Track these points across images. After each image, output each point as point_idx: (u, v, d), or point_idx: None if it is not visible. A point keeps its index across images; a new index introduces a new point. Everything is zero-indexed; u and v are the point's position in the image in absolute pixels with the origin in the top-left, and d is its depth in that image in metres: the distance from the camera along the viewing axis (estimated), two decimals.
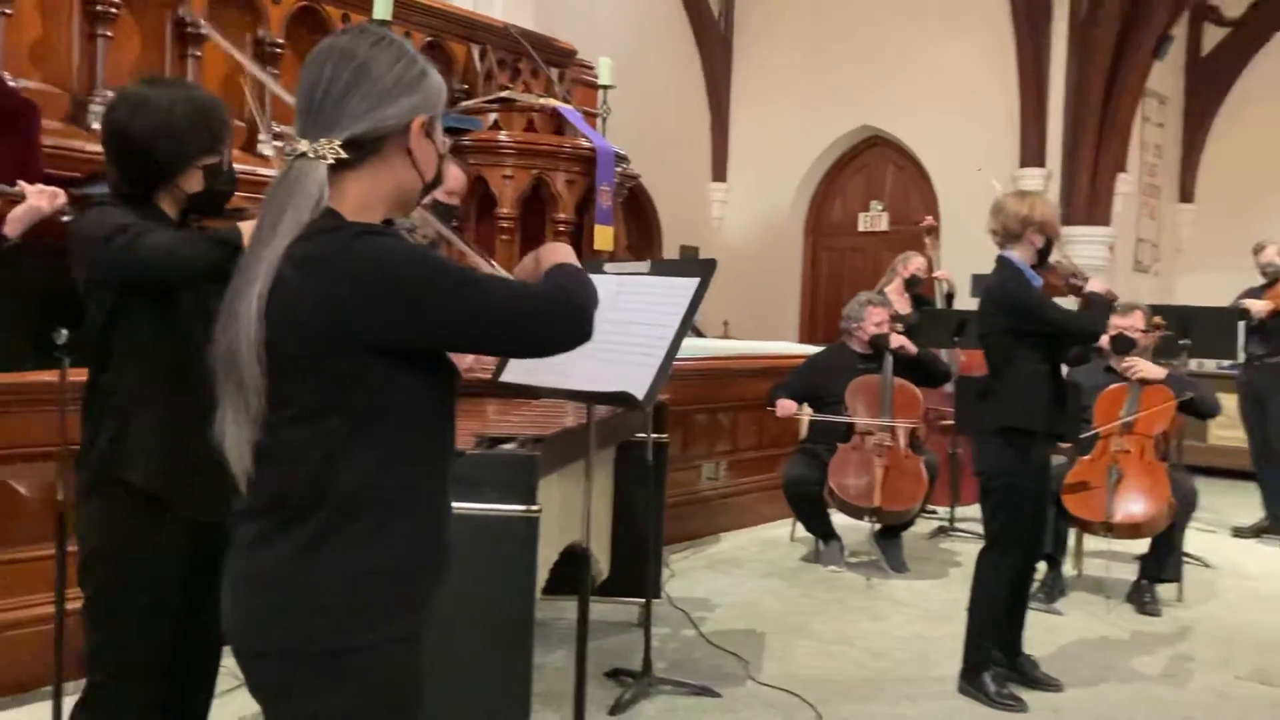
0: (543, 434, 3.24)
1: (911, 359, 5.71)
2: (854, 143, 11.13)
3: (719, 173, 11.62)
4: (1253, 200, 10.50)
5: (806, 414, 5.73)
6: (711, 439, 6.29)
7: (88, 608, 2.32)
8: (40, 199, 2.47)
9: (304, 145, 1.55)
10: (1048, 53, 9.59)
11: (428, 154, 1.63)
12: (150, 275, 2.22)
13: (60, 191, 2.51)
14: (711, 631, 4.46)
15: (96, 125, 3.95)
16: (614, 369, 2.58)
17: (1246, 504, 7.14)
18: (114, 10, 4.84)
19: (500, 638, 2.94)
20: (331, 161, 1.54)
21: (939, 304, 7.26)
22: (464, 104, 6.20)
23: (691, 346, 6.25)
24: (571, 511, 3.49)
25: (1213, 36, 10.93)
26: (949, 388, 6.20)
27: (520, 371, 2.67)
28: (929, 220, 7.57)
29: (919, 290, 7.12)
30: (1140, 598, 5.05)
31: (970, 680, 3.89)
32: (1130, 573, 5.21)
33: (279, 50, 5.55)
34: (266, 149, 5.45)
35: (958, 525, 6.47)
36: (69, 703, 2.45)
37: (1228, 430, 8.61)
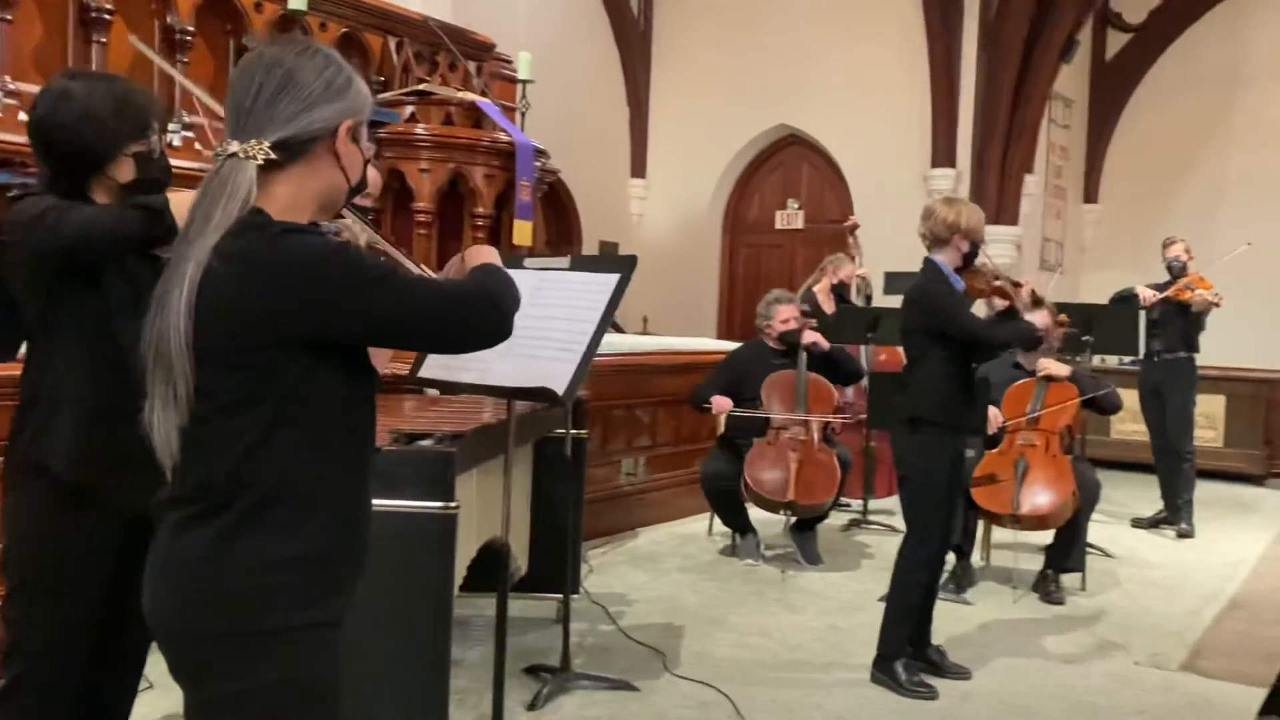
0: (461, 430, 3.23)
1: (825, 356, 5.79)
2: (771, 141, 11.24)
3: (638, 169, 11.65)
4: (1154, 201, 10.87)
5: (728, 406, 5.77)
6: (630, 434, 6.32)
7: (10, 598, 2.30)
8: None
9: (234, 146, 1.61)
10: (958, 56, 9.80)
11: (354, 157, 1.70)
12: (77, 247, 2.20)
13: None
14: (630, 626, 4.49)
15: None
16: (534, 365, 2.59)
17: (1146, 496, 7.39)
18: None
19: (418, 635, 2.92)
20: (261, 162, 1.60)
21: (859, 302, 7.37)
22: (381, 96, 6.13)
23: (611, 342, 6.26)
24: (490, 508, 3.48)
25: (1116, 41, 11.28)
26: (864, 383, 6.31)
27: (439, 367, 2.66)
28: (852, 219, 7.69)
29: (845, 293, 7.25)
30: (1045, 587, 5.20)
31: (883, 669, 3.98)
32: (1036, 563, 5.35)
33: (189, 39, 5.44)
34: (175, 138, 5.34)
35: (871, 518, 6.60)
36: None
37: (1129, 425, 8.91)
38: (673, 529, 6.38)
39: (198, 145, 5.29)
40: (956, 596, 5.07)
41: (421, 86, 6.21)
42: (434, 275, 2.08)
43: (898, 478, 4.12)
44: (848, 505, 6.77)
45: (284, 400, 1.57)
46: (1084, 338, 6.14)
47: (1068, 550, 5.21)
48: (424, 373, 2.70)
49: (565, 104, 9.45)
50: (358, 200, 2.31)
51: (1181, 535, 6.73)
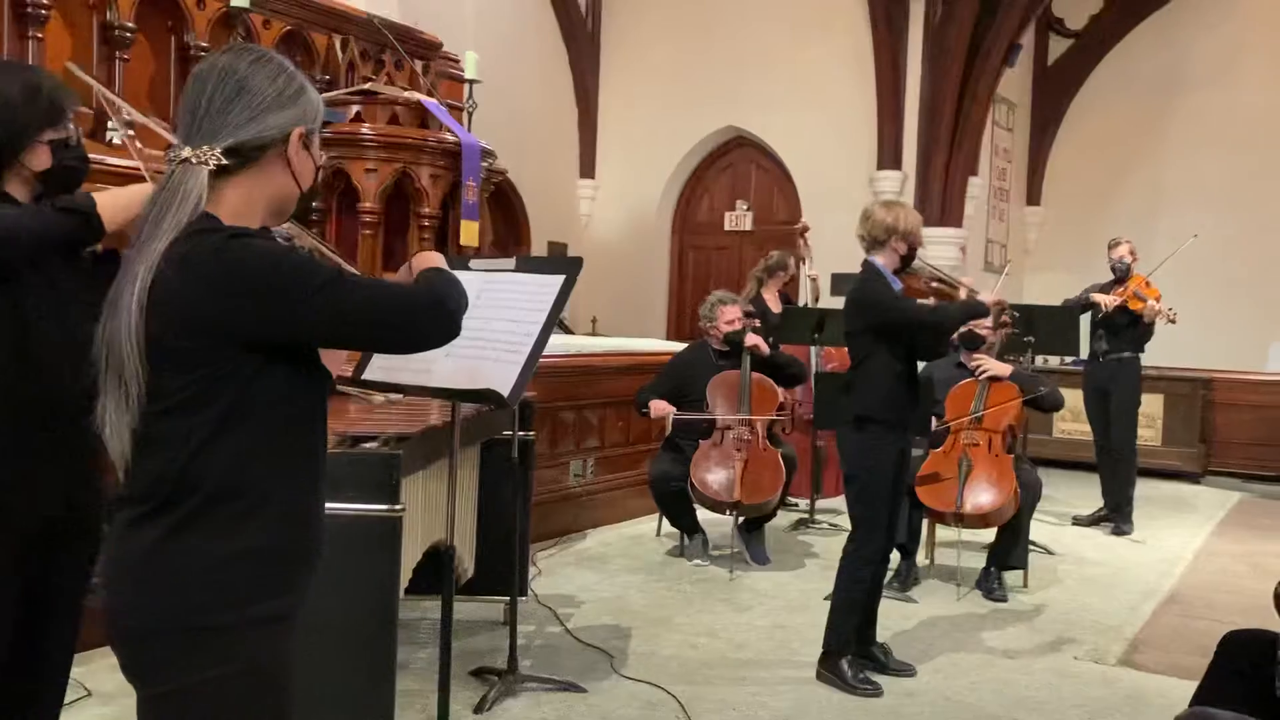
0: (406, 432, 3.21)
1: (767, 359, 5.82)
2: (720, 142, 11.29)
3: (587, 169, 11.64)
4: (1095, 204, 11.07)
5: (674, 414, 5.77)
6: (579, 436, 6.32)
7: None
8: None
9: (187, 151, 1.64)
10: (904, 59, 9.91)
11: (305, 164, 1.74)
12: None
13: None
14: (578, 627, 4.49)
15: None
16: (480, 366, 2.58)
17: (1087, 494, 7.52)
18: None
19: (363, 637, 2.90)
20: (212, 167, 1.64)
21: (808, 303, 7.42)
22: (326, 96, 6.05)
23: (559, 343, 6.26)
24: (436, 510, 3.47)
25: (1058, 46, 11.47)
26: (811, 382, 6.36)
27: (384, 369, 2.64)
28: (803, 222, 7.74)
29: (786, 293, 7.31)
30: (988, 585, 5.27)
31: (828, 667, 4.02)
32: (980, 561, 5.43)
33: (129, 35, 5.34)
34: (115, 137, 5.25)
35: (818, 518, 6.65)
36: None
37: (1070, 424, 9.08)
38: (621, 530, 6.39)
39: (138, 144, 5.19)
40: (901, 595, 5.13)
41: (367, 86, 6.15)
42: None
43: (844, 477, 4.17)
44: (795, 505, 6.82)
45: (234, 401, 1.59)
46: (1025, 338, 6.23)
47: (1010, 548, 5.29)
48: (366, 375, 2.67)
49: (513, 104, 9.43)
50: None
51: (1119, 534, 6.84)
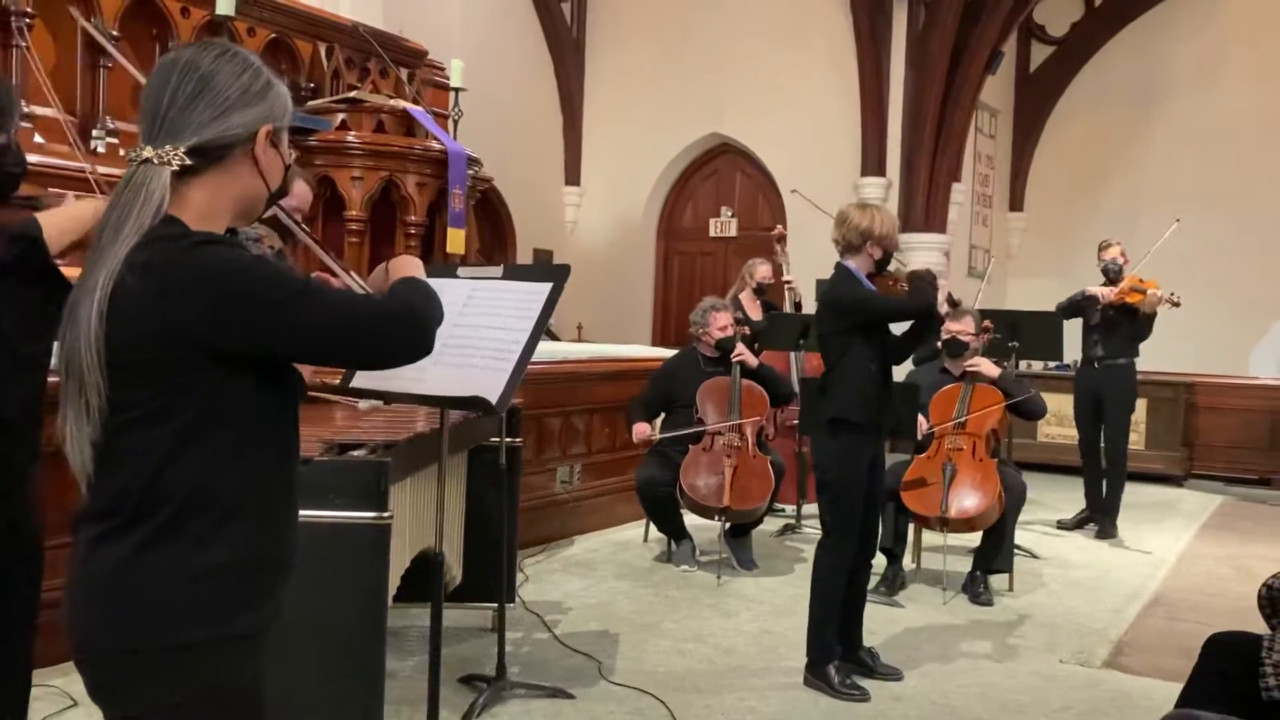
0: (394, 440, 3.21)
1: (754, 372, 5.84)
2: (705, 149, 11.33)
3: (572, 176, 11.66)
4: (1076, 209, 11.15)
5: (656, 436, 5.77)
6: (565, 442, 6.32)
7: None
8: None
9: (148, 151, 1.56)
10: (887, 66, 9.97)
11: (273, 163, 1.66)
12: None
13: None
14: (565, 634, 4.49)
15: None
16: (467, 374, 2.59)
17: (1071, 498, 7.56)
18: None
19: (352, 646, 2.90)
20: (176, 168, 1.56)
21: (789, 310, 7.44)
22: (311, 104, 6.07)
23: (545, 350, 6.26)
24: (424, 518, 3.47)
25: (1040, 53, 11.55)
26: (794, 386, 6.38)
27: (372, 377, 2.65)
28: (779, 229, 7.77)
29: (768, 296, 7.31)
30: (974, 589, 5.29)
31: (815, 672, 4.03)
32: (965, 565, 5.45)
33: (114, 43, 5.34)
34: (100, 144, 5.25)
35: (805, 523, 6.67)
36: None
37: (1054, 428, 9.13)
38: (608, 536, 6.39)
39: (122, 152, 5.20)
40: (888, 599, 5.14)
41: (353, 94, 6.16)
42: (363, 283, 2.05)
43: (816, 482, 4.16)
44: (781, 510, 6.84)
45: (199, 412, 1.53)
46: (1009, 343, 6.26)
47: (995, 552, 5.31)
48: (355, 383, 2.68)
49: (499, 111, 9.45)
50: (283, 218, 2.26)
51: (1105, 537, 6.86)
